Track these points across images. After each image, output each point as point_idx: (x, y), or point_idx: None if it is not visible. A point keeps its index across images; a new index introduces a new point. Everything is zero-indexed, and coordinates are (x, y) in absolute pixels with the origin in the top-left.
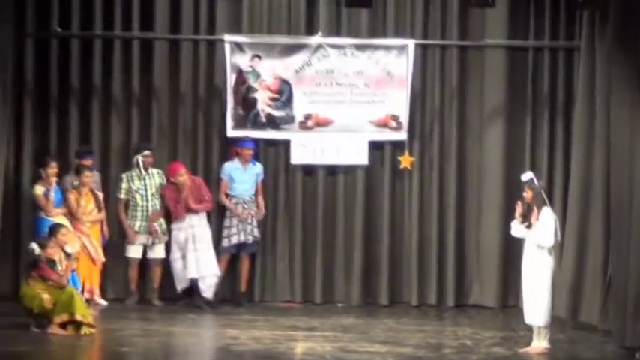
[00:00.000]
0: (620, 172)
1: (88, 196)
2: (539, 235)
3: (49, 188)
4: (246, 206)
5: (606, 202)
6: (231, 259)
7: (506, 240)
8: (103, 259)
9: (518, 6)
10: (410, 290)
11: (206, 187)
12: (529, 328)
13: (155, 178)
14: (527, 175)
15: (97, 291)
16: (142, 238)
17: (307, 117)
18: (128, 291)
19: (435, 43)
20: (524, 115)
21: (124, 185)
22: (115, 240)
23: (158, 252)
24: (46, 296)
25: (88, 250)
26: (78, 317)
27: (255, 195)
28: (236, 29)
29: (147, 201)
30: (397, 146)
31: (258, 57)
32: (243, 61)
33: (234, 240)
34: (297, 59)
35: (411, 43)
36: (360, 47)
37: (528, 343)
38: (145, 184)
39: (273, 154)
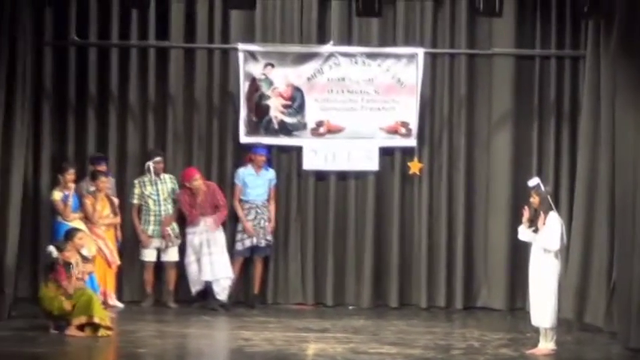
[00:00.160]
0: (625, 177)
1: (104, 201)
2: (545, 240)
3: (67, 193)
4: (259, 211)
5: (611, 207)
6: (244, 262)
7: (514, 244)
8: (119, 262)
9: (525, 15)
10: (419, 293)
11: (220, 192)
12: (536, 330)
13: (167, 182)
14: (534, 181)
15: (112, 294)
16: (156, 242)
17: (319, 124)
18: (144, 294)
19: (443, 52)
20: (531, 122)
21: (136, 190)
22: (131, 244)
23: (172, 255)
24: (64, 298)
25: (103, 253)
26: (96, 320)
27: (268, 200)
28: (249, 38)
29: (159, 205)
30: (407, 152)
31: (271, 65)
32: (257, 69)
33: (248, 243)
34: (309, 67)
35: (420, 52)
36: (371, 55)
37: (535, 345)
38: (157, 189)
39: (285, 160)
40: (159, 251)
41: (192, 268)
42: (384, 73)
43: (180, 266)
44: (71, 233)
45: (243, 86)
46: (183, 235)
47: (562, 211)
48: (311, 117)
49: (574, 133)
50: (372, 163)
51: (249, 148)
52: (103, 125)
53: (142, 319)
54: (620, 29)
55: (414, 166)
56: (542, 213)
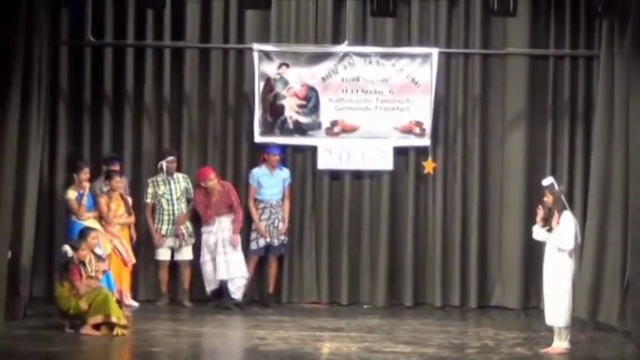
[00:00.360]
0: (639, 177)
1: (118, 201)
2: (559, 239)
3: (81, 193)
4: (273, 210)
5: (625, 206)
6: (259, 261)
7: (528, 243)
8: (134, 261)
9: (540, 15)
10: (433, 292)
11: (235, 192)
12: (550, 329)
13: (180, 182)
14: (548, 180)
15: (127, 292)
16: (170, 241)
17: (333, 123)
18: (159, 293)
19: (458, 52)
20: (545, 121)
21: (149, 190)
22: (146, 243)
23: (185, 254)
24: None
25: (119, 252)
26: (113, 319)
27: (283, 199)
28: (264, 38)
29: (172, 205)
30: (421, 152)
31: (286, 65)
32: (271, 69)
33: (262, 243)
34: (324, 67)
35: (434, 52)
36: (385, 55)
37: (549, 344)
38: (170, 188)
39: (300, 160)
40: (173, 250)
41: (207, 268)
42: (399, 73)
43: (195, 265)
44: (85, 232)
45: (258, 86)
46: (197, 234)
47: (576, 210)
48: (325, 117)
49: (588, 133)
50: (386, 163)
51: (264, 148)
52: (119, 125)
53: (156, 318)
54: (635, 29)
55: (429, 166)
56: (556, 212)
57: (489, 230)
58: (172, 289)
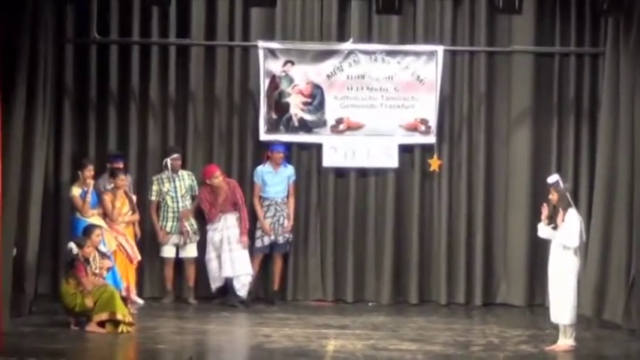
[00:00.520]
0: None
1: (123, 199)
2: (564, 236)
3: (86, 190)
4: (278, 208)
5: (630, 204)
6: (264, 259)
7: (533, 240)
8: (139, 258)
9: (545, 13)
10: (439, 289)
11: (240, 189)
12: (555, 327)
13: (185, 179)
14: (553, 178)
15: (133, 290)
16: (174, 239)
17: (339, 121)
18: (164, 290)
19: (463, 49)
20: (551, 119)
21: (154, 187)
22: (151, 240)
23: (190, 251)
24: (86, 294)
25: (124, 249)
26: (119, 317)
27: (288, 197)
28: (269, 36)
29: (177, 202)
30: (426, 149)
31: (291, 62)
32: (277, 66)
33: (267, 240)
34: (329, 65)
35: (440, 49)
36: (391, 53)
37: (554, 341)
38: (174, 185)
39: (305, 157)
40: (178, 248)
41: (212, 265)
42: (404, 71)
43: (199, 262)
44: (89, 229)
45: (263, 84)
46: (201, 231)
47: (581, 208)
48: (331, 114)
49: (593, 131)
50: (391, 160)
51: (269, 145)
52: (124, 122)
53: (162, 316)
54: None
55: (434, 163)
56: (561, 210)
57: (494, 228)
58: (178, 287)
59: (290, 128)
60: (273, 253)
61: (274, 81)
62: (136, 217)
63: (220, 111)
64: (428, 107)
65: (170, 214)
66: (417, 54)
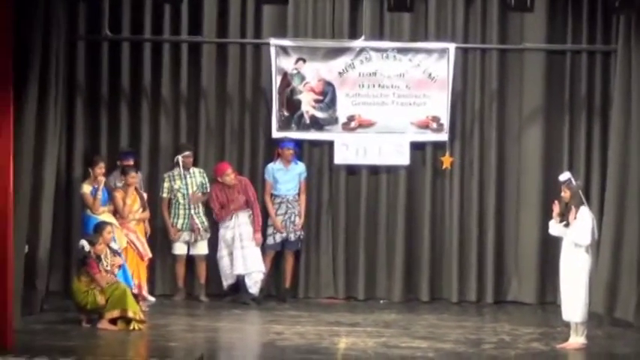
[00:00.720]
0: None
1: (134, 196)
2: (576, 234)
3: (96, 187)
4: (290, 205)
5: None
6: (275, 256)
7: (545, 238)
8: (150, 255)
9: (557, 10)
10: (450, 287)
11: (252, 187)
12: (567, 325)
13: (196, 176)
14: (565, 175)
15: (145, 287)
16: (185, 236)
17: (350, 118)
18: (176, 287)
19: (475, 47)
20: (562, 116)
21: (165, 184)
22: (162, 238)
23: (201, 249)
24: (98, 292)
25: (135, 247)
26: (130, 314)
27: (299, 194)
28: (281, 33)
29: (188, 199)
30: (438, 147)
31: (303, 60)
32: (288, 63)
33: (278, 238)
34: (341, 62)
35: (451, 47)
36: (402, 50)
37: (566, 339)
38: (186, 183)
39: (317, 155)
40: (189, 245)
41: (224, 262)
42: (415, 68)
43: (210, 260)
44: (101, 227)
45: (275, 81)
46: (212, 228)
47: (593, 206)
48: (342, 112)
49: (605, 128)
50: (403, 158)
51: (279, 142)
52: (136, 119)
53: (173, 313)
54: None
55: (446, 161)
56: (573, 207)
57: (506, 225)
58: (189, 284)
59: (302, 126)
60: (285, 251)
61: (286, 78)
62: (147, 214)
63: (232, 108)
64: (439, 105)
65: (181, 212)
66: (429, 51)
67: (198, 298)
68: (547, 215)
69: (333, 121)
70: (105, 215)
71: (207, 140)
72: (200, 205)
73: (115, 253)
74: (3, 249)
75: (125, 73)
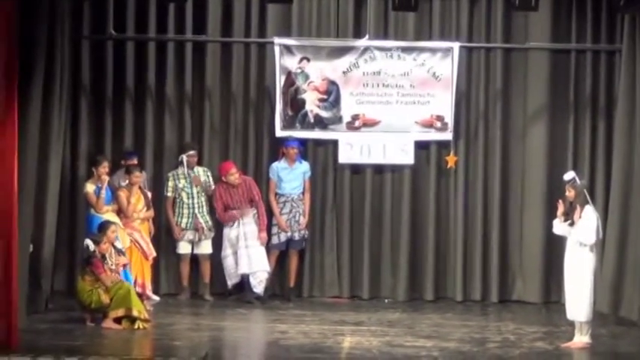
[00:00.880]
0: None
1: (138, 195)
2: (581, 233)
3: (100, 186)
4: (294, 204)
5: None
6: (280, 255)
7: (549, 237)
8: (154, 254)
9: (561, 10)
10: (454, 286)
11: (256, 186)
12: (571, 324)
13: (200, 175)
14: (569, 174)
15: (149, 286)
16: (189, 235)
17: (354, 117)
18: (180, 286)
19: (479, 46)
20: (567, 116)
21: (170, 183)
22: (167, 237)
23: (205, 248)
24: (102, 291)
25: (140, 246)
26: (134, 313)
27: (303, 193)
28: (286, 32)
29: (192, 198)
30: (442, 146)
31: (307, 59)
32: (293, 62)
33: (283, 237)
34: (345, 61)
35: (456, 46)
36: (407, 49)
37: (570, 339)
38: (190, 182)
39: (321, 154)
40: (193, 244)
41: (228, 262)
42: (420, 67)
43: (215, 259)
44: (105, 226)
45: (279, 80)
46: (216, 227)
47: (597, 205)
48: (346, 111)
49: (610, 127)
50: (407, 157)
51: (284, 141)
52: (140, 119)
53: (178, 312)
54: None
55: (451, 160)
56: (577, 207)
57: (510, 224)
58: (194, 283)
59: (306, 125)
60: (289, 250)
61: (290, 77)
62: (151, 213)
63: (236, 107)
64: (444, 104)
65: (185, 211)
66: (433, 50)
67: (202, 297)
68: (552, 214)
69: (338, 120)
70: (108, 215)
71: (212, 139)
72: (204, 204)
73: (119, 252)
74: (8, 248)
75: (129, 73)
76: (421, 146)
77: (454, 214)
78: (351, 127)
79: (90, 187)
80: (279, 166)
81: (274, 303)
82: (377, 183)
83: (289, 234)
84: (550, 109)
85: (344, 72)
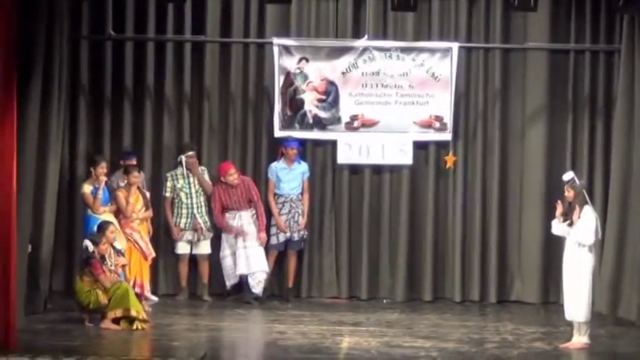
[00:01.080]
0: None
1: (137, 195)
2: (580, 233)
3: (97, 186)
4: (293, 205)
5: None
6: (278, 256)
7: (548, 237)
8: (154, 255)
9: (560, 10)
10: (453, 287)
11: (255, 186)
12: (570, 324)
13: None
14: (568, 175)
15: (147, 286)
16: (188, 235)
17: (353, 118)
18: (179, 287)
19: (478, 46)
20: (565, 116)
21: (168, 184)
22: (165, 237)
23: (203, 248)
24: (100, 292)
25: (139, 246)
26: (133, 313)
27: (302, 193)
28: (284, 32)
29: (191, 198)
30: (441, 146)
31: (306, 59)
32: (291, 63)
33: (282, 238)
34: (344, 61)
35: (455, 46)
36: (405, 50)
37: (569, 339)
38: (188, 182)
39: (320, 154)
40: (192, 244)
41: (227, 262)
42: (419, 68)
43: (213, 259)
44: (103, 226)
45: (278, 80)
46: (214, 228)
47: (596, 205)
48: (345, 111)
49: (608, 128)
50: (406, 157)
51: (283, 141)
52: (139, 119)
53: (176, 312)
54: None
55: (450, 160)
56: (576, 207)
57: (509, 225)
58: (192, 283)
59: (305, 125)
60: (288, 250)
61: (289, 78)
62: (150, 213)
63: (235, 108)
64: (443, 104)
65: (184, 211)
66: (432, 51)
67: (201, 298)
68: (550, 214)
69: (336, 120)
70: (106, 215)
71: (211, 139)
72: (203, 204)
73: (118, 252)
74: (6, 248)
75: (128, 73)
76: (420, 146)
77: (453, 214)
78: (349, 127)
79: (87, 188)
80: (277, 167)
81: (273, 303)
82: (376, 183)
83: (288, 234)
84: (549, 110)
85: (343, 72)
